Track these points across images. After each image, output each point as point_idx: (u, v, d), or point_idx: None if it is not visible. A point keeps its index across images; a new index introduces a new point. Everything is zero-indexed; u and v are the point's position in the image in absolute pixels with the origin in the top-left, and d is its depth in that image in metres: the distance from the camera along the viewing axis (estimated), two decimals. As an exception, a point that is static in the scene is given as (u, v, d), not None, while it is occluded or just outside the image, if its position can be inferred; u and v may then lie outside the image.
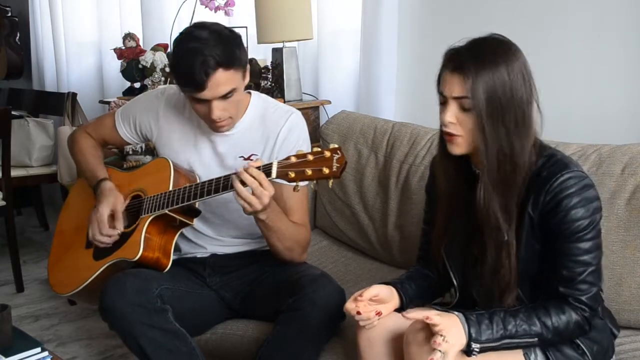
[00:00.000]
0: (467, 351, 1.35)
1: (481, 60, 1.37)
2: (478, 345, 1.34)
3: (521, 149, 1.40)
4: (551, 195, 1.39)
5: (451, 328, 1.34)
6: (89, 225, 1.89)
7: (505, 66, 1.38)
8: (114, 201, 1.89)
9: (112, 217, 1.87)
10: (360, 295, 1.49)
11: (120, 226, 1.86)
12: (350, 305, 1.49)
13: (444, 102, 1.44)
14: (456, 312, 1.38)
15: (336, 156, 1.52)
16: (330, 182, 1.54)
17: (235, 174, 1.62)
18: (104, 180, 1.96)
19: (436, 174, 1.59)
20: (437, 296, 1.69)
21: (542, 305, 1.41)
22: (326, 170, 1.52)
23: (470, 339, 1.34)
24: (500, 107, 1.37)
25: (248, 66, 1.80)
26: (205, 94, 1.70)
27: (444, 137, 1.46)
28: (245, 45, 1.80)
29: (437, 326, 1.33)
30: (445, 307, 1.59)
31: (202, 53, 1.66)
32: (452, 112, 1.41)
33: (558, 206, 1.38)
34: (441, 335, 1.32)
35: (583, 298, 1.39)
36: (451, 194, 1.54)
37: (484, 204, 1.42)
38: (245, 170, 1.60)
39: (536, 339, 1.38)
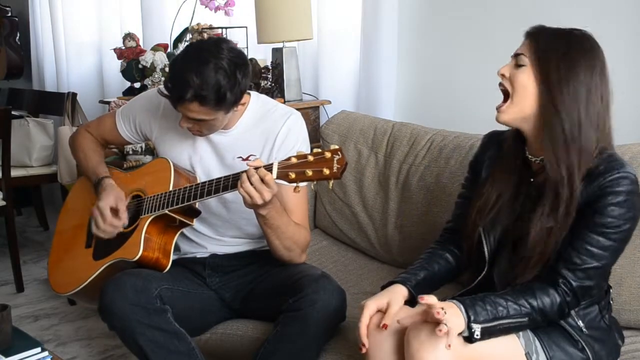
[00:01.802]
0: (469, 335, 1.36)
1: (555, 39, 1.44)
2: (478, 327, 1.35)
3: (588, 135, 1.40)
4: (601, 188, 1.40)
5: (448, 309, 1.35)
6: (91, 219, 1.89)
7: (581, 54, 1.42)
8: (115, 195, 1.89)
9: (115, 211, 1.87)
10: (385, 326, 1.47)
11: (124, 217, 1.86)
12: (363, 333, 1.49)
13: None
14: (451, 300, 1.40)
15: (337, 157, 1.52)
16: (331, 183, 1.54)
17: (243, 172, 1.63)
18: (105, 177, 1.96)
19: (502, 149, 1.59)
20: (446, 281, 1.69)
21: (528, 287, 1.43)
22: (327, 171, 1.52)
23: (469, 321, 1.35)
24: (568, 79, 1.40)
25: (246, 95, 1.81)
26: (178, 109, 1.74)
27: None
28: (249, 71, 1.77)
29: (435, 306, 1.34)
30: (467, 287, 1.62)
31: (188, 83, 1.65)
32: (508, 67, 1.47)
33: (602, 198, 1.39)
34: (442, 308, 1.33)
35: (574, 284, 1.41)
36: (510, 174, 1.55)
37: (550, 176, 1.42)
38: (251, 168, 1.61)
39: (526, 318, 1.40)
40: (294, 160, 1.56)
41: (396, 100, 2.75)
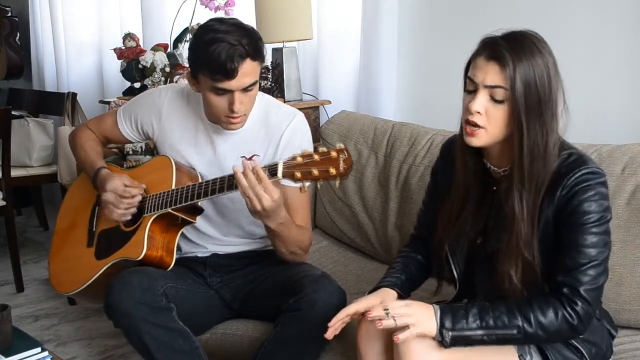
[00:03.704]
0: (441, 340, 1.36)
1: (520, 51, 1.35)
2: (449, 334, 1.34)
3: (553, 145, 1.39)
4: (567, 189, 1.38)
5: (420, 309, 1.36)
6: (105, 210, 1.88)
7: (542, 59, 1.37)
8: (118, 177, 1.87)
9: (127, 186, 1.86)
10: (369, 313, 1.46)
11: (136, 184, 1.85)
12: (339, 316, 1.49)
13: (473, 90, 1.40)
14: (433, 304, 1.39)
15: (343, 156, 1.51)
16: (337, 182, 1.54)
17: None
18: (102, 168, 1.95)
19: (455, 164, 1.55)
20: (423, 279, 1.71)
21: (526, 299, 1.39)
22: (333, 171, 1.51)
23: (442, 327, 1.34)
24: (538, 100, 1.35)
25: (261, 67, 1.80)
26: (232, 84, 1.70)
27: (464, 129, 1.43)
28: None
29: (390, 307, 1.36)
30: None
31: (231, 42, 1.67)
32: (481, 102, 1.38)
33: (573, 198, 1.37)
34: (385, 309, 1.35)
35: (580, 289, 1.35)
36: (467, 187, 1.53)
37: (512, 202, 1.40)
38: (247, 169, 1.60)
39: (515, 331, 1.35)
40: (299, 159, 1.55)
41: (396, 100, 2.75)
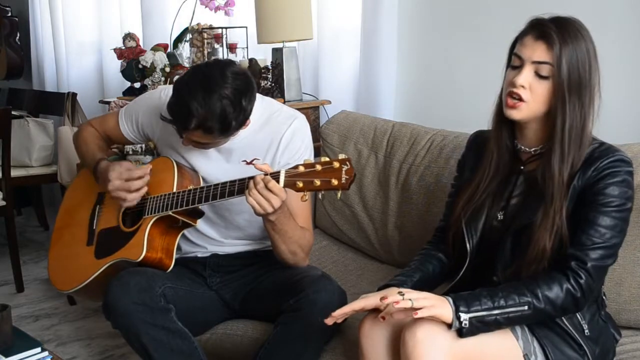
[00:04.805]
0: (459, 327, 1.36)
1: (566, 34, 1.42)
2: (467, 316, 1.35)
3: (590, 130, 1.46)
4: (599, 171, 1.43)
5: (435, 296, 1.37)
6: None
7: (585, 45, 1.44)
8: (121, 164, 1.87)
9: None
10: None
11: (147, 168, 1.86)
12: (345, 310, 1.46)
13: (519, 66, 1.46)
14: (443, 296, 1.40)
15: (345, 167, 1.50)
16: (339, 193, 1.53)
17: (249, 178, 1.62)
18: (102, 160, 1.94)
19: (489, 143, 1.58)
20: (442, 281, 1.69)
21: (532, 277, 1.42)
22: (335, 182, 1.51)
23: (457, 311, 1.35)
24: (579, 82, 1.42)
25: (248, 120, 1.78)
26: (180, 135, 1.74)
27: (505, 102, 1.48)
28: (254, 95, 1.76)
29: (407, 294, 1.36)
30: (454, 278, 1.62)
31: (192, 113, 1.64)
32: (526, 77, 1.44)
33: (600, 180, 1.43)
34: (400, 292, 1.35)
35: (588, 264, 1.40)
36: (499, 164, 1.56)
37: (551, 175, 1.44)
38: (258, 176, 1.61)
39: (526, 307, 1.38)
40: (301, 169, 1.55)
41: (396, 100, 2.75)
